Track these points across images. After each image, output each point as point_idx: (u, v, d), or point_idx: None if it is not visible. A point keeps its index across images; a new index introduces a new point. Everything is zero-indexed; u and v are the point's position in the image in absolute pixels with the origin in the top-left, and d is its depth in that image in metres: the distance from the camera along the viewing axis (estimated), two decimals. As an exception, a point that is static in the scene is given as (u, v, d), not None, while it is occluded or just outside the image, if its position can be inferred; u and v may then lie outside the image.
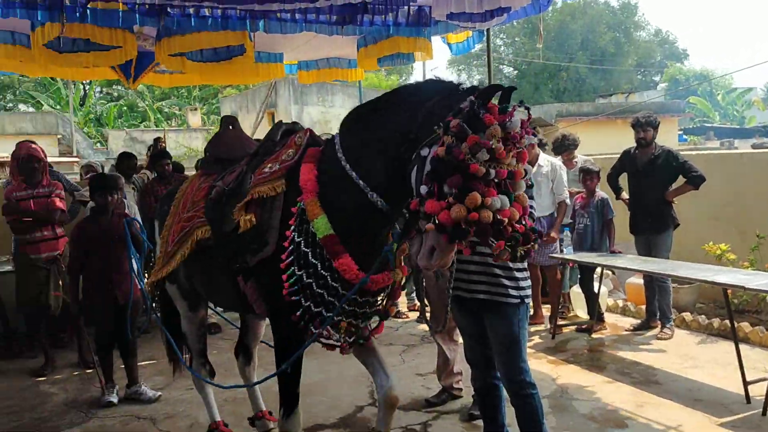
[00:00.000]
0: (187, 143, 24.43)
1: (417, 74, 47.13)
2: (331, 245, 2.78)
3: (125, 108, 31.86)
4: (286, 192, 2.96)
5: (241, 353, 4.26)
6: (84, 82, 29.07)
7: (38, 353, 6.17)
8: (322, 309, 2.85)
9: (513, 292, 3.20)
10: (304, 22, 6.18)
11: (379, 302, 3.09)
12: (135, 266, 4.74)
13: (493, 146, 2.24)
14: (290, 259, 2.85)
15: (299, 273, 2.83)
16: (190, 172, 7.91)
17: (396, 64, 8.07)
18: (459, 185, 2.23)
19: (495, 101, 2.38)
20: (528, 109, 2.42)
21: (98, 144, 26.56)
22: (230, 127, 4.00)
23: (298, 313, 2.86)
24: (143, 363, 5.50)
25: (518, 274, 3.24)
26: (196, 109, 27.29)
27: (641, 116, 6.20)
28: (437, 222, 2.29)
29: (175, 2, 5.44)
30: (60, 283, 5.71)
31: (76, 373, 5.83)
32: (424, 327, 6.26)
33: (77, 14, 5.29)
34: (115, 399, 4.97)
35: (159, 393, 5.09)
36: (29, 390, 5.44)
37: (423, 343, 6.09)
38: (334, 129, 3.08)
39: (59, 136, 22.44)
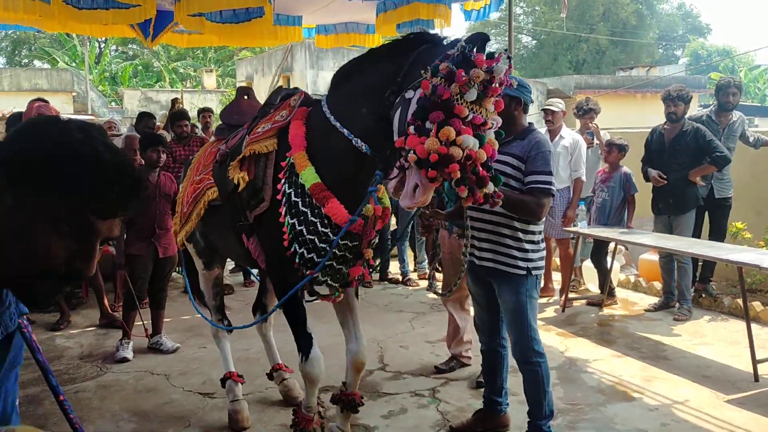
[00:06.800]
0: (202, 104, 24.35)
1: (434, 41, 46.39)
2: (319, 192, 2.90)
3: (140, 67, 31.80)
4: (278, 150, 3.09)
5: (258, 311, 4.38)
6: (99, 40, 28.99)
7: (54, 308, 6.27)
8: (314, 255, 2.94)
9: (521, 264, 3.25)
10: (325, -15, 6.11)
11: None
12: None
13: (485, 84, 2.36)
14: (284, 210, 2.96)
15: (291, 221, 2.94)
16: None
17: (414, 31, 7.95)
18: (439, 121, 2.34)
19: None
20: (510, 59, 2.51)
21: (113, 103, 26.57)
22: (245, 97, 4.12)
23: (297, 260, 2.96)
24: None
25: (528, 246, 3.27)
26: (211, 71, 27.22)
27: (672, 90, 5.95)
28: (415, 156, 2.38)
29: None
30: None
31: (91, 328, 5.94)
32: (434, 296, 6.29)
33: (97, -29, 5.28)
34: (130, 355, 5.07)
35: (178, 345, 5.28)
36: (45, 344, 5.54)
37: (432, 311, 6.14)
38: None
39: (74, 94, 22.43)
